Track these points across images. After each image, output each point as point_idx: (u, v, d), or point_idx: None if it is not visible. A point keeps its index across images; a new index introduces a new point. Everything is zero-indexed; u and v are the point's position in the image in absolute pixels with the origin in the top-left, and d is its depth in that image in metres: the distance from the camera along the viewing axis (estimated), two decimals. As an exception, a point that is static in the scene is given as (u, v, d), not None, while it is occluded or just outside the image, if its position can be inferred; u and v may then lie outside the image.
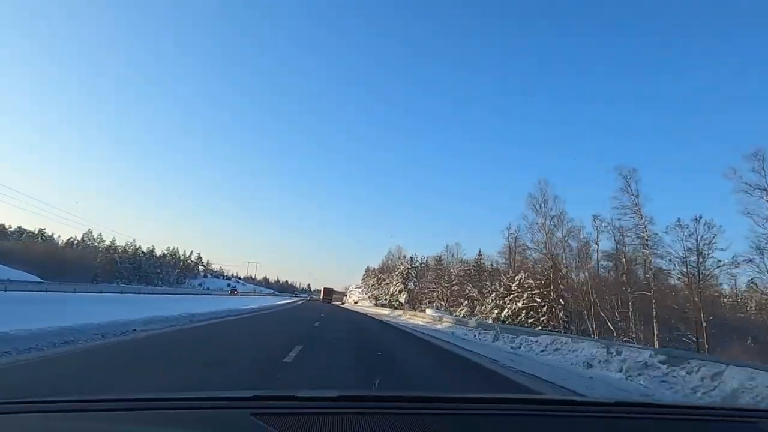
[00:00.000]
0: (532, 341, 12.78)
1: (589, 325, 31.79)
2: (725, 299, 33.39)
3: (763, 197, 23.23)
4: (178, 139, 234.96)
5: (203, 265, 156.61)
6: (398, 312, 42.95)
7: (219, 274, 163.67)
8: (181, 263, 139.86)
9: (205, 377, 5.49)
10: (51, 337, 7.51)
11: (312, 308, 43.80)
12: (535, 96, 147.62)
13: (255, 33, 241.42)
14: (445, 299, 54.24)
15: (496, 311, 39.96)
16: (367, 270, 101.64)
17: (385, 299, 70.62)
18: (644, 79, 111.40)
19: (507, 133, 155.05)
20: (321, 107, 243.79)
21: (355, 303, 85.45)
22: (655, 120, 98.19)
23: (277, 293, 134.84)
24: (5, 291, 20.56)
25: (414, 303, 62.32)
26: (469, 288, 47.50)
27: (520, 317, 36.18)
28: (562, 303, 34.16)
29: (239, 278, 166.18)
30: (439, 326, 22.50)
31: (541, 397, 3.07)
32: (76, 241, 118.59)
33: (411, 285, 65.59)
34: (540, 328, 33.80)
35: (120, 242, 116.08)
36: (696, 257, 26.20)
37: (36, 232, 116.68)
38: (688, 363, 7.37)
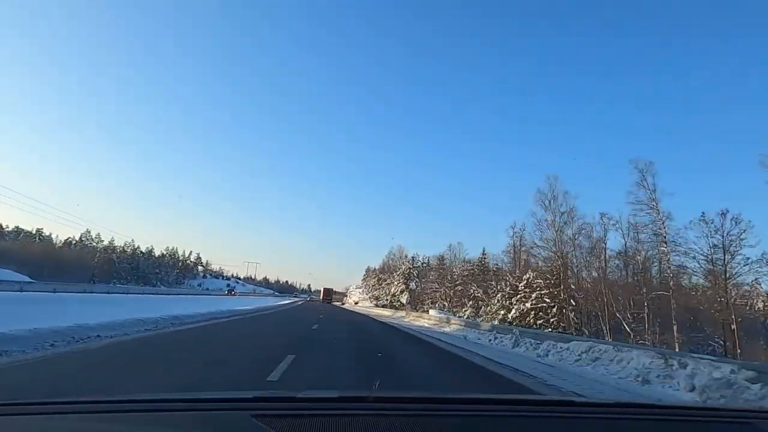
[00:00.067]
0: (561, 348, 10.98)
1: (603, 327, 29.97)
2: (757, 299, 31.43)
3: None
4: (178, 139, 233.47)
5: (202, 266, 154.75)
6: (401, 313, 41.13)
7: (218, 275, 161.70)
8: (180, 263, 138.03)
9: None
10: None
11: (311, 309, 42.03)
12: (535, 96, 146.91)
13: (255, 33, 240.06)
14: (449, 300, 52.44)
15: (502, 312, 38.17)
16: (368, 270, 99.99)
17: (386, 299, 68.85)
18: (644, 78, 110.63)
19: (507, 132, 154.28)
20: (321, 107, 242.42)
21: (356, 303, 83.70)
22: (655, 120, 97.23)
23: (277, 294, 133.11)
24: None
25: (416, 303, 60.56)
26: (473, 288, 45.67)
27: (528, 318, 34.37)
28: (573, 303, 32.36)
29: (239, 279, 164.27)
30: (447, 329, 20.70)
31: (542, 397, 2.89)
32: (74, 241, 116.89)
33: (413, 285, 63.80)
34: (550, 330, 32.00)
35: (119, 242, 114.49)
36: (723, 254, 24.38)
37: (33, 232, 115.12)
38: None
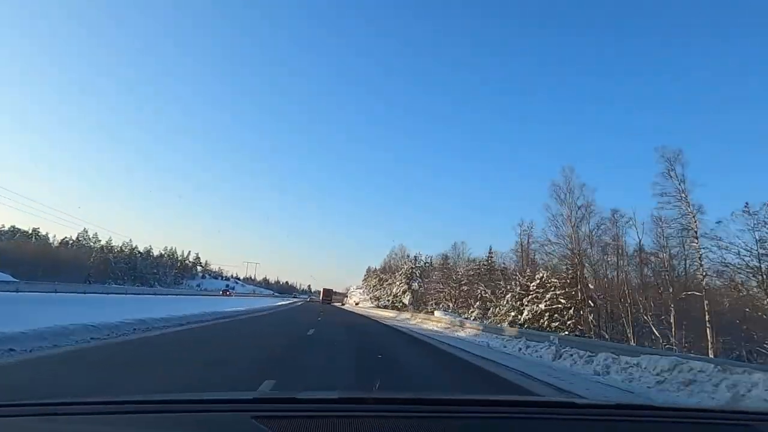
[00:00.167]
0: (628, 363, 8.37)
1: (627, 330, 27.34)
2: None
3: None
4: (178, 139, 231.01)
5: (201, 266, 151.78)
6: (405, 314, 38.47)
7: (218, 275, 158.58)
8: (178, 264, 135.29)
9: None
10: None
11: (310, 310, 39.39)
12: (535, 96, 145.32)
13: (255, 33, 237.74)
14: (454, 300, 49.80)
15: (512, 314, 35.54)
16: (368, 270, 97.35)
17: (388, 300, 66.24)
18: (644, 78, 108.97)
19: (507, 132, 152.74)
20: (321, 107, 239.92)
21: (356, 304, 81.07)
22: (655, 119, 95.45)
23: (276, 294, 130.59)
24: None
25: (418, 304, 57.95)
26: (481, 288, 43.01)
27: (542, 320, 31.73)
28: (592, 305, 29.72)
29: (238, 279, 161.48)
30: (461, 333, 18.07)
31: (542, 399, 2.79)
32: (71, 241, 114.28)
33: (415, 285, 61.12)
34: (567, 333, 29.42)
35: (117, 243, 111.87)
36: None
37: (30, 231, 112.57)
38: None
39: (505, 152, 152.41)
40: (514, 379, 7.94)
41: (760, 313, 21.03)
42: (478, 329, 17.46)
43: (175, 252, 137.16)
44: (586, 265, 31.26)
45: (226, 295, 62.95)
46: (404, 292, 61.52)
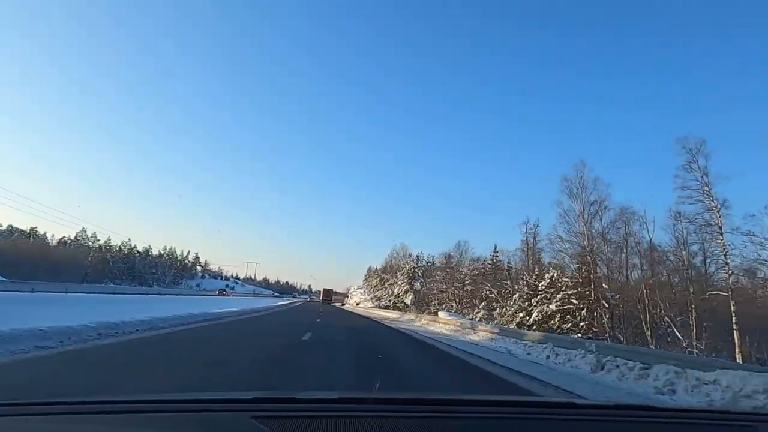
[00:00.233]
0: (699, 379, 6.61)
1: (647, 333, 25.54)
2: None
3: None
4: (178, 139, 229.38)
5: (201, 266, 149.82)
6: (409, 315, 36.64)
7: (217, 275, 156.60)
8: (177, 263, 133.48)
9: None
10: None
11: (309, 310, 37.64)
12: (534, 96, 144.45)
13: (255, 33, 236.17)
14: (458, 301, 48.02)
15: (520, 315, 33.77)
16: (369, 270, 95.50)
17: (389, 300, 64.44)
18: (644, 78, 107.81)
19: (507, 132, 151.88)
20: (321, 107, 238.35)
21: (357, 304, 79.27)
22: (655, 119, 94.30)
23: (276, 294, 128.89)
24: None
25: (421, 304, 56.18)
26: (486, 288, 41.20)
27: (552, 322, 29.96)
28: (607, 305, 27.92)
29: (238, 279, 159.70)
30: (473, 337, 16.29)
31: (543, 399, 2.83)
32: (69, 241, 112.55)
33: (417, 285, 59.33)
34: (580, 335, 27.65)
35: (116, 242, 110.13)
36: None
37: (28, 231, 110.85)
38: None
39: (505, 152, 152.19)
40: (555, 396, 6.20)
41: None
42: (493, 332, 15.66)
43: (175, 252, 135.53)
44: (599, 263, 29.49)
45: (223, 295, 61.00)
46: (406, 292, 59.73)
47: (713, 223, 23.21)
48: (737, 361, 20.48)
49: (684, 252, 26.04)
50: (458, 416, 1.21)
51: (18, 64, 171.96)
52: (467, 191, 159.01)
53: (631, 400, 6.46)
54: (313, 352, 9.21)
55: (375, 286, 79.48)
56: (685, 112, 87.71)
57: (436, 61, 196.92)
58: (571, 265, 31.83)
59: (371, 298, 77.78)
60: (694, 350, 24.25)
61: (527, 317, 33.29)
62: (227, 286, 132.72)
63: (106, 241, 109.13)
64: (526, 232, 42.49)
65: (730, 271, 22.69)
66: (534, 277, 35.63)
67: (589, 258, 29.03)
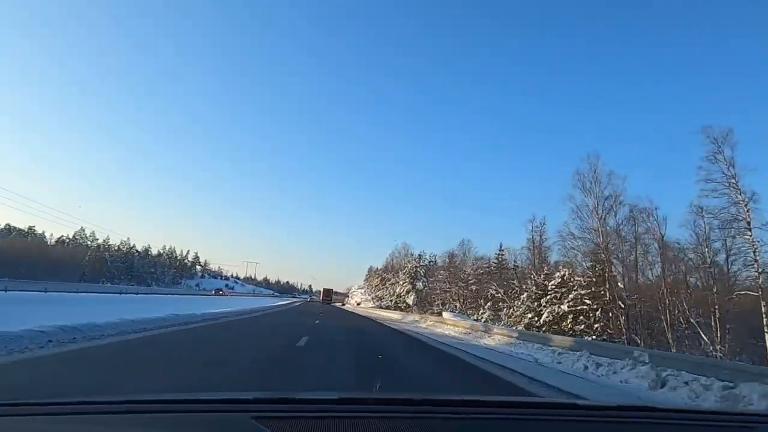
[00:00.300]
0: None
1: (667, 335, 23.83)
2: None
3: None
4: (178, 139, 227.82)
5: (201, 265, 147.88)
6: (413, 316, 34.89)
7: (217, 275, 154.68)
8: (177, 263, 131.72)
9: None
10: None
11: (308, 311, 35.92)
12: (534, 96, 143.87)
13: (254, 33, 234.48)
14: (462, 301, 46.30)
15: (529, 315, 32.06)
16: (370, 270, 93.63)
17: (390, 300, 62.63)
18: (644, 78, 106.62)
19: (506, 132, 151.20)
20: (321, 107, 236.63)
21: (358, 305, 77.53)
22: (656, 122, 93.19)
23: (276, 294, 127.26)
24: None
25: (423, 304, 54.45)
26: (492, 288, 39.46)
27: (564, 323, 28.26)
28: (622, 306, 26.20)
29: (238, 278, 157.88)
30: (488, 341, 14.56)
31: (544, 400, 2.70)
32: (67, 240, 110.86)
33: (420, 285, 57.51)
34: (594, 337, 25.96)
35: (115, 241, 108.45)
36: None
37: (26, 230, 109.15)
38: None
39: (505, 152, 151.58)
40: None
41: None
42: (511, 336, 13.90)
43: (174, 251, 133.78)
44: (614, 261, 27.78)
45: (219, 295, 59.22)
46: (408, 292, 57.93)
47: (740, 218, 21.51)
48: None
49: (706, 249, 24.35)
50: (459, 417, 1.20)
51: (18, 64, 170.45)
52: (467, 191, 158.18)
53: None
54: (307, 363, 7.54)
55: (376, 286, 77.73)
56: (684, 112, 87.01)
57: (435, 61, 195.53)
58: (583, 264, 30.17)
59: (372, 298, 76.02)
60: (717, 354, 22.58)
61: (536, 318, 31.59)
62: (227, 285, 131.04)
63: (104, 241, 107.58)
64: (532, 230, 40.76)
65: (760, 269, 20.98)
66: (543, 276, 33.96)
67: (603, 256, 27.31)
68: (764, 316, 20.15)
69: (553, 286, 31.33)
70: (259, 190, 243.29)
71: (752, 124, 64.67)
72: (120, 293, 30.04)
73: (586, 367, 9.00)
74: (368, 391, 1.34)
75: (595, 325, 26.69)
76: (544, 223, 40.32)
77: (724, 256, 24.78)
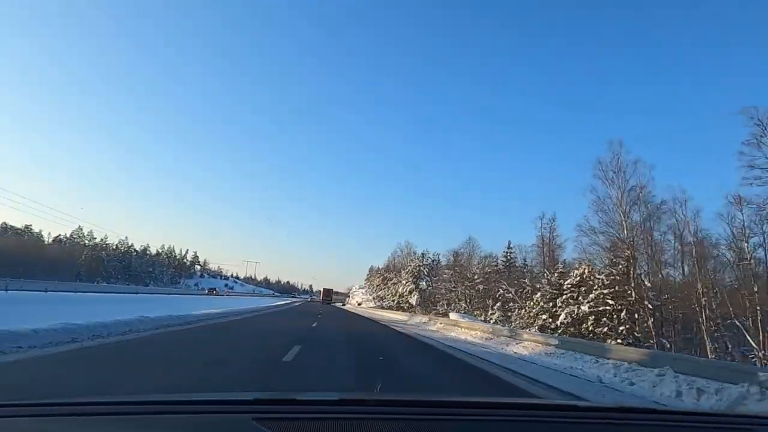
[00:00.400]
0: None
1: (705, 339, 21.27)
2: None
3: None
4: (178, 139, 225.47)
5: (200, 265, 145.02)
6: (420, 317, 32.25)
7: (217, 274, 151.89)
8: (176, 262, 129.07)
9: None
10: None
11: (307, 312, 33.34)
12: (534, 96, 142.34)
13: (254, 33, 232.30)
14: (468, 301, 43.74)
15: (544, 317, 29.50)
16: (371, 270, 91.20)
17: (392, 300, 60.11)
18: (645, 77, 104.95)
19: (506, 133, 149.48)
20: (321, 107, 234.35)
21: (359, 304, 75.02)
22: (657, 122, 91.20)
23: (276, 294, 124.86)
24: None
25: (427, 304, 51.94)
26: (502, 287, 36.88)
27: (585, 325, 25.69)
28: (650, 307, 23.64)
29: (238, 278, 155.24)
30: (520, 350, 11.97)
31: (544, 402, 2.57)
32: (64, 239, 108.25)
33: (423, 284, 55.00)
34: (619, 341, 23.41)
35: (113, 240, 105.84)
36: None
37: (22, 228, 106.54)
38: None
39: (505, 152, 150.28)
40: None
41: None
42: (548, 344, 11.27)
43: (173, 251, 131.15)
44: (640, 257, 25.20)
45: (213, 295, 56.51)
46: (411, 292, 55.37)
47: (790, 208, 19.05)
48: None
49: (745, 244, 21.82)
50: (459, 418, 1.19)
51: (18, 64, 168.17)
52: (467, 191, 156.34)
53: None
54: (300, 376, 5.05)
55: (377, 286, 75.20)
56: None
57: (435, 61, 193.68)
58: (604, 260, 27.58)
59: (373, 298, 73.53)
60: (763, 360, 20.07)
61: (551, 320, 29.05)
62: (226, 285, 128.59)
63: (102, 240, 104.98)
64: (541, 227, 38.34)
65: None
66: (557, 274, 31.42)
67: (628, 252, 24.76)
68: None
69: (569, 285, 28.79)
70: (259, 190, 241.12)
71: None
72: (98, 292, 27.46)
73: (679, 393, 6.44)
74: (369, 393, 1.31)
75: (620, 328, 24.14)
76: (554, 220, 37.89)
77: (763, 252, 22.26)
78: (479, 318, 36.51)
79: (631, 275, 24.53)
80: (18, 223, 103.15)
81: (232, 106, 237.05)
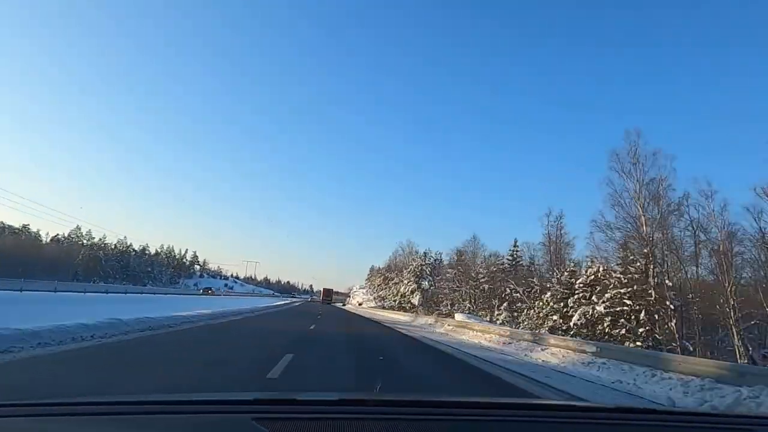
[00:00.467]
0: None
1: (735, 342, 19.61)
2: None
3: None
4: (178, 139, 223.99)
5: (199, 265, 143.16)
6: (425, 319, 30.58)
7: (216, 274, 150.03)
8: (175, 262, 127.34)
9: None
10: None
11: (306, 312, 31.70)
12: (533, 96, 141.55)
13: (254, 33, 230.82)
14: (472, 301, 42.09)
15: (555, 317, 27.85)
16: (372, 269, 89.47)
17: (394, 300, 58.48)
18: (644, 78, 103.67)
19: (506, 133, 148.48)
20: (320, 107, 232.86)
21: (359, 305, 73.39)
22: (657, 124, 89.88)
23: (276, 294, 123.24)
24: None
25: (429, 304, 50.30)
26: (510, 287, 35.22)
27: (601, 326, 24.03)
28: (672, 307, 21.96)
29: (237, 278, 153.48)
30: (547, 358, 10.30)
31: (544, 402, 2.54)
32: (62, 238, 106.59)
33: (425, 284, 53.34)
34: (639, 344, 21.76)
35: (112, 240, 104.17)
36: None
37: (20, 228, 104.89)
38: None
39: (505, 152, 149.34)
40: None
41: None
42: (582, 351, 9.56)
43: (173, 250, 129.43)
44: (660, 254, 23.52)
45: (209, 294, 54.74)
46: (413, 292, 53.70)
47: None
48: None
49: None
50: (459, 418, 1.18)
51: (18, 64, 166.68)
52: (467, 191, 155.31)
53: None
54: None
55: (378, 286, 73.56)
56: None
57: (435, 61, 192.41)
58: (619, 258, 25.92)
59: (374, 299, 71.92)
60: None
61: (562, 321, 27.40)
62: (226, 285, 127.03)
63: (100, 239, 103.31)
64: (548, 225, 36.62)
65: None
66: (567, 273, 29.79)
67: (647, 248, 23.09)
68: None
69: (581, 284, 27.17)
70: (259, 190, 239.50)
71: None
72: (82, 292, 25.80)
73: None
74: (369, 393, 1.29)
75: (640, 330, 22.50)
76: (561, 217, 36.20)
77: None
78: (485, 319, 34.89)
79: (651, 273, 22.86)
80: (16, 222, 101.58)
81: (232, 106, 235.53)
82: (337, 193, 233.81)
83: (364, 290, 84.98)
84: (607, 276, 24.97)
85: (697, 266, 23.66)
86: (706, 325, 22.67)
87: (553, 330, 26.43)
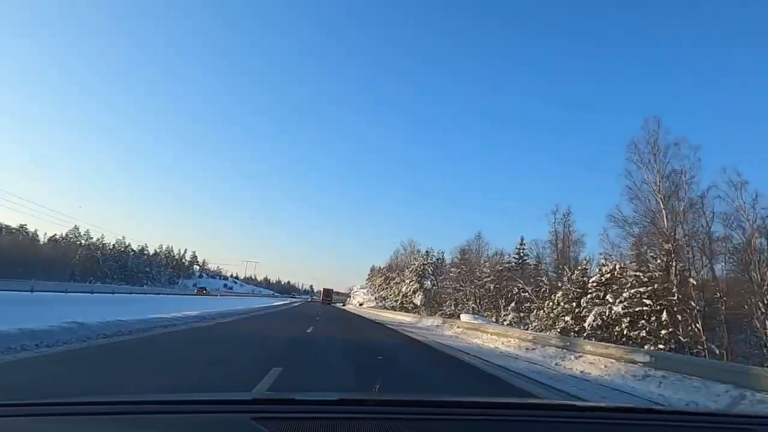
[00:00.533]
0: None
1: (764, 344, 17.99)
2: None
3: None
4: (178, 139, 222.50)
5: (199, 265, 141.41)
6: (430, 320, 28.90)
7: (216, 274, 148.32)
8: (174, 262, 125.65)
9: None
10: None
11: (305, 314, 30.08)
12: (533, 97, 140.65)
13: (254, 34, 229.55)
14: (477, 301, 40.47)
15: (567, 318, 26.24)
16: (373, 269, 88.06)
17: (395, 300, 56.93)
18: (644, 78, 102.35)
19: (505, 134, 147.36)
20: (320, 107, 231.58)
21: (360, 305, 71.81)
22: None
23: (276, 294, 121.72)
24: None
25: (432, 304, 48.73)
26: (518, 286, 33.61)
27: (618, 327, 22.43)
28: (698, 308, 20.36)
29: (237, 278, 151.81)
30: (584, 368, 8.66)
31: (544, 402, 2.43)
32: (60, 238, 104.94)
33: (428, 284, 51.74)
34: (661, 346, 20.16)
35: (110, 240, 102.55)
36: None
37: (17, 227, 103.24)
38: None
39: (505, 152, 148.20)
40: None
41: None
42: (630, 361, 7.96)
43: (172, 250, 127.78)
44: (683, 250, 21.93)
45: (203, 295, 53.04)
46: (415, 292, 52.11)
47: None
48: None
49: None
50: (459, 418, 1.18)
51: (18, 64, 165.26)
52: (467, 191, 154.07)
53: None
54: None
55: (379, 286, 71.98)
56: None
57: (435, 61, 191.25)
58: (636, 255, 24.35)
59: (375, 299, 70.36)
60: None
61: (574, 322, 25.81)
62: (225, 285, 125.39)
63: (98, 239, 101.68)
64: (555, 222, 35.08)
65: None
66: (578, 271, 28.21)
67: (668, 245, 21.49)
68: None
69: (595, 283, 25.59)
70: (259, 190, 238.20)
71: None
72: (65, 291, 24.18)
73: None
74: (369, 392, 1.28)
75: (662, 332, 20.91)
76: (569, 214, 34.68)
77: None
78: (491, 319, 33.29)
79: (673, 271, 21.27)
80: (13, 222, 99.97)
81: (232, 106, 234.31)
82: (337, 193, 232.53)
83: (365, 290, 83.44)
84: (624, 274, 23.40)
85: (724, 262, 22.07)
86: (731, 326, 21.07)
87: (565, 331, 24.88)
